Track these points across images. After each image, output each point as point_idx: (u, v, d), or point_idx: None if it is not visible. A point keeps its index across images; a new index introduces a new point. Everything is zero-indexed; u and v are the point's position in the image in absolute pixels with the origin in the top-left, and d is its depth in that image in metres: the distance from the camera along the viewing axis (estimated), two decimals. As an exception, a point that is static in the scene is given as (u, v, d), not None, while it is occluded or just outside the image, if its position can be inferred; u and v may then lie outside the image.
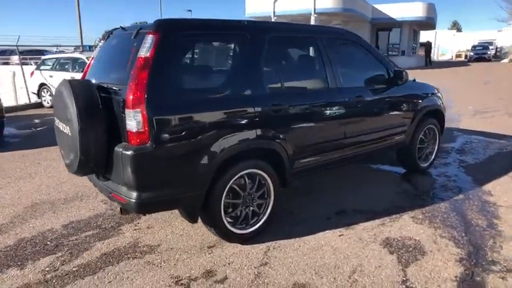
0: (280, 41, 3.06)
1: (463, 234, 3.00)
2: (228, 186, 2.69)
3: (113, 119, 2.48)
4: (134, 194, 2.38)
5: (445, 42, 47.33)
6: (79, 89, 2.42)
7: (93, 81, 2.87)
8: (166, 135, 2.37)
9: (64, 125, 2.58)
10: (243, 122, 2.68)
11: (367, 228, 3.12)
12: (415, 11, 26.30)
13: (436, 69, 24.74)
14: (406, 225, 3.16)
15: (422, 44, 34.32)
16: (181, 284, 2.42)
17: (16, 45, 10.28)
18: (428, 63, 27.46)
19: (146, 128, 2.30)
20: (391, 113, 3.86)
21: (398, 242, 2.89)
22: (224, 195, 2.68)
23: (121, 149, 2.36)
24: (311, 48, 3.34)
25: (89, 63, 3.21)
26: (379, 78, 3.74)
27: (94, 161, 2.47)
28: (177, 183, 2.48)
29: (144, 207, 2.44)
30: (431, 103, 4.35)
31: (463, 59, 37.90)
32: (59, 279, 2.47)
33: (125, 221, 3.30)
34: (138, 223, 3.26)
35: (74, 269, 2.59)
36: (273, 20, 23.32)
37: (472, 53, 34.39)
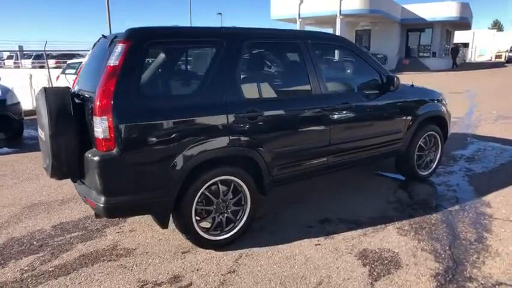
0: (259, 48, 3.06)
1: (447, 248, 2.86)
2: (199, 193, 2.72)
3: (85, 125, 2.58)
4: (102, 199, 2.46)
5: (484, 43, 45.20)
6: (52, 96, 2.53)
7: (76, 88, 2.99)
8: (132, 142, 2.43)
9: (41, 131, 2.71)
10: (214, 128, 2.70)
11: (347, 238, 3.05)
12: (448, 11, 25.33)
13: (466, 71, 23.70)
14: (389, 237, 3.05)
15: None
16: (146, 288, 2.47)
17: (43, 50, 10.87)
18: (455, 65, 26.25)
19: (112, 135, 2.37)
20: (383, 119, 3.75)
21: (375, 254, 2.80)
22: (195, 201, 2.71)
23: (89, 155, 2.44)
24: (293, 54, 3.31)
25: (79, 70, 3.35)
26: (369, 84, 3.64)
27: (66, 165, 2.57)
28: (145, 189, 2.53)
29: (112, 211, 2.51)
30: (431, 109, 4.18)
31: (502, 60, 35.99)
32: (33, 279, 2.59)
33: (110, 223, 3.41)
34: (122, 226, 3.36)
35: (50, 269, 2.70)
36: (298, 22, 23.28)
37: (510, 54, 32.62)
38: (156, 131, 2.51)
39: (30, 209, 3.79)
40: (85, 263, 2.78)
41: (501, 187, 4.06)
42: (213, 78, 2.76)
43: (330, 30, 27.58)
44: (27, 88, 10.59)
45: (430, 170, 4.38)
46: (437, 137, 4.33)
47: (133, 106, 2.45)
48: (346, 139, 3.45)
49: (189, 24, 27.19)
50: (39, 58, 23.26)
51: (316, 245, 2.95)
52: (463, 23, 27.61)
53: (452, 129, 7.08)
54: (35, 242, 3.11)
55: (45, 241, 3.12)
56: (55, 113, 2.48)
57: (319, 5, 21.91)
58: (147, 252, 2.90)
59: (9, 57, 28.88)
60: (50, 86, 11.24)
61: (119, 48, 2.47)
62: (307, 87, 3.21)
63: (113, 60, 2.44)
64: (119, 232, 3.25)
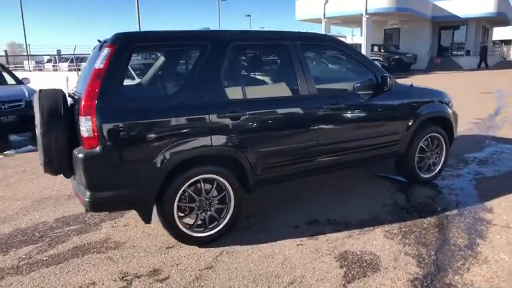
0: (245, 50, 3.12)
1: (432, 253, 2.79)
2: (181, 190, 2.81)
3: (75, 124, 2.75)
4: (88, 193, 2.61)
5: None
6: (45, 97, 2.72)
7: (74, 89, 3.18)
8: (114, 141, 2.56)
9: (36, 130, 2.91)
10: (196, 128, 2.79)
11: (331, 239, 3.03)
12: (483, 7, 24.12)
13: (503, 70, 22.46)
14: (374, 239, 3.01)
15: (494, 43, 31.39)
16: (126, 279, 2.59)
17: (73, 54, 11.46)
18: (483, 65, 24.85)
19: (96, 134, 2.51)
20: (377, 120, 3.69)
21: (355, 256, 2.77)
22: (177, 198, 2.81)
23: (76, 152, 2.60)
24: (281, 56, 3.33)
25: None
26: (362, 84, 3.57)
27: (57, 162, 2.75)
28: (127, 185, 2.66)
29: (97, 205, 2.66)
30: (433, 109, 4.06)
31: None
32: (28, 267, 2.78)
33: (107, 218, 3.58)
34: (118, 220, 3.52)
35: (44, 258, 2.89)
36: (323, 22, 23.05)
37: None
38: (138, 131, 2.63)
39: (39, 202, 4.05)
40: (76, 254, 2.95)
41: (509, 192, 3.87)
42: (196, 79, 2.85)
43: (356, 30, 27.12)
44: (64, 89, 11.23)
45: (434, 173, 4.24)
46: (441, 138, 4.19)
47: (117, 107, 2.58)
48: (335, 140, 3.43)
49: (218, 26, 27.47)
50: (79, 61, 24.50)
51: (298, 245, 2.97)
52: (501, 19, 26.23)
53: (472, 130, 6.83)
54: (36, 233, 3.33)
55: (45, 232, 3.33)
56: (46, 112, 2.67)
57: (345, 4, 21.58)
58: (134, 246, 3.04)
59: (49, 61, 30.55)
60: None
61: (105, 52, 2.61)
62: (295, 87, 3.23)
63: (99, 64, 2.59)
64: (113, 226, 3.41)
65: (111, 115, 2.55)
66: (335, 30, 30.41)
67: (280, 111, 3.15)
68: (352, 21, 24.29)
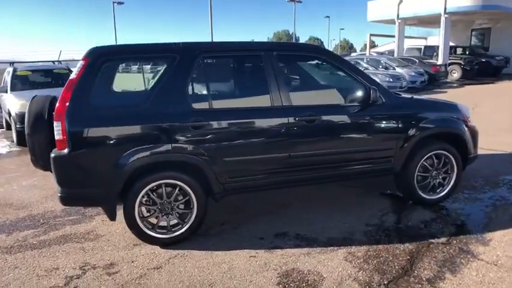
0: (215, 61, 3.20)
1: (384, 282, 2.57)
2: (142, 193, 3.02)
3: (58, 128, 3.12)
4: (59, 189, 2.96)
5: None
6: (34, 103, 3.15)
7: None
8: (80, 144, 2.87)
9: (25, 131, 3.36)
10: (156, 136, 2.97)
11: (287, 254, 2.97)
12: None
13: None
14: (331, 260, 2.87)
15: None
16: (83, 269, 2.87)
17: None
18: None
19: (64, 137, 2.84)
20: (362, 135, 3.47)
21: (299, 275, 2.68)
22: (138, 200, 3.02)
23: (51, 152, 2.97)
24: (254, 66, 3.34)
25: None
26: (346, 96, 3.41)
27: (41, 160, 3.15)
28: (91, 185, 2.95)
29: (66, 200, 3.00)
30: (438, 125, 3.68)
31: None
32: (18, 248, 3.25)
33: (103, 212, 3.96)
34: (110, 215, 3.87)
35: (34, 242, 3.34)
36: (396, 23, 21.71)
37: None
38: (101, 136, 2.90)
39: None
40: (60, 241, 3.34)
41: (524, 224, 3.33)
42: (161, 90, 3.03)
43: (435, 31, 24.91)
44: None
45: (441, 195, 3.82)
46: (450, 157, 3.76)
47: (83, 114, 2.88)
48: (310, 154, 3.32)
49: (294, 29, 26.89)
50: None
51: (251, 256, 2.96)
52: None
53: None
54: (41, 220, 3.83)
55: (48, 220, 3.82)
56: (33, 117, 3.09)
57: (422, 3, 20.01)
58: (108, 240, 3.33)
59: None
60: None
61: (79, 64, 2.94)
62: (266, 99, 3.21)
63: (73, 75, 2.92)
64: (103, 220, 3.75)
65: (78, 121, 2.86)
66: (414, 32, 28.33)
67: (246, 121, 3.17)
68: (429, 21, 22.38)
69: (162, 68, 3.19)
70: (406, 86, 14.47)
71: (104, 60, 2.98)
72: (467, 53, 21.67)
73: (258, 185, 3.33)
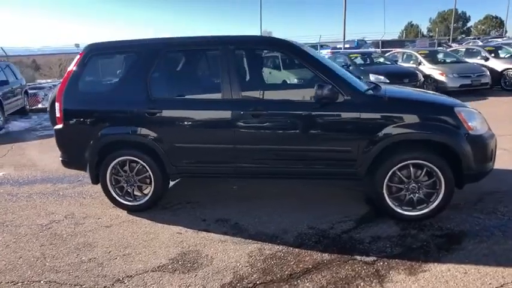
0: (174, 55, 3.54)
1: (258, 281, 2.57)
2: (111, 165, 3.67)
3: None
4: (60, 154, 3.89)
5: None
6: (54, 89, 4.12)
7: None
8: (70, 120, 3.69)
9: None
10: (121, 119, 3.56)
11: (204, 237, 3.20)
12: None
13: None
14: (236, 251, 2.96)
15: None
16: (66, 216, 3.75)
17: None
18: None
19: (61, 114, 3.72)
20: (316, 132, 3.27)
21: (195, 256, 2.91)
22: (109, 171, 3.69)
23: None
24: (210, 60, 3.51)
25: None
26: (305, 91, 3.27)
27: None
28: (78, 153, 3.75)
29: (65, 164, 3.90)
30: (417, 130, 3.13)
31: None
32: (17, 198, 4.34)
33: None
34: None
35: (40, 191, 4.44)
36: None
37: None
38: (85, 115, 3.67)
39: (77, 173, 5.30)
40: (58, 194, 4.37)
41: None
42: (128, 80, 3.59)
43: None
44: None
45: (421, 212, 3.26)
46: (436, 170, 3.15)
47: (74, 98, 3.68)
48: (257, 148, 3.36)
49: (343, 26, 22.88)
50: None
51: (177, 233, 3.30)
52: None
53: None
54: (54, 180, 4.91)
55: (59, 191, 4.63)
56: (51, 100, 4.08)
57: None
58: (93, 198, 4.14)
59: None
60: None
61: (76, 58, 3.74)
62: (217, 91, 3.40)
63: (71, 67, 3.75)
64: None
65: (69, 102, 3.68)
66: None
67: (196, 112, 3.44)
68: None
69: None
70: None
71: (93, 54, 3.70)
72: None
73: (209, 172, 3.58)
